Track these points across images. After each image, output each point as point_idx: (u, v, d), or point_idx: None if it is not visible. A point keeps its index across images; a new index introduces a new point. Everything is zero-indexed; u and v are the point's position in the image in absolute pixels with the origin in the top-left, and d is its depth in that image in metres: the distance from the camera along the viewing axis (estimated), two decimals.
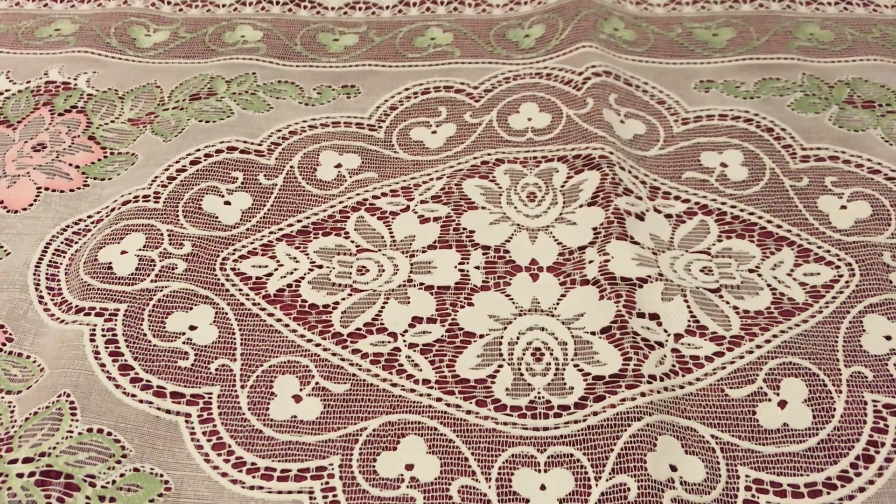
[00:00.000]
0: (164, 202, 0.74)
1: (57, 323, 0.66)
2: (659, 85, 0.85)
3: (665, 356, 0.62)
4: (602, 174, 0.74)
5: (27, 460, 0.56)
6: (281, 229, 0.73)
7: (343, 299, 0.68)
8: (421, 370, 0.63)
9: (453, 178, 0.76)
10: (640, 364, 0.61)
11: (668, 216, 0.73)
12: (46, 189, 0.76)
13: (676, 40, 0.91)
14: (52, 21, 0.96)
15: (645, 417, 0.58)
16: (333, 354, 0.64)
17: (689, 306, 0.66)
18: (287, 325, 0.66)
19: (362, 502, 0.56)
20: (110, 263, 0.69)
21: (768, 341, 0.64)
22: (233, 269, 0.69)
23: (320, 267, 0.70)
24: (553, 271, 0.69)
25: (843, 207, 0.73)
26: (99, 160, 0.79)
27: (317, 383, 0.62)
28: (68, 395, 0.60)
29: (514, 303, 0.67)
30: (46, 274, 0.70)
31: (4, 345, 0.65)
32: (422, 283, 0.68)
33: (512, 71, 0.87)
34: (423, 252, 0.71)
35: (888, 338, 0.63)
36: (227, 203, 0.74)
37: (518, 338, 0.64)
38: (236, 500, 0.56)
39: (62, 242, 0.72)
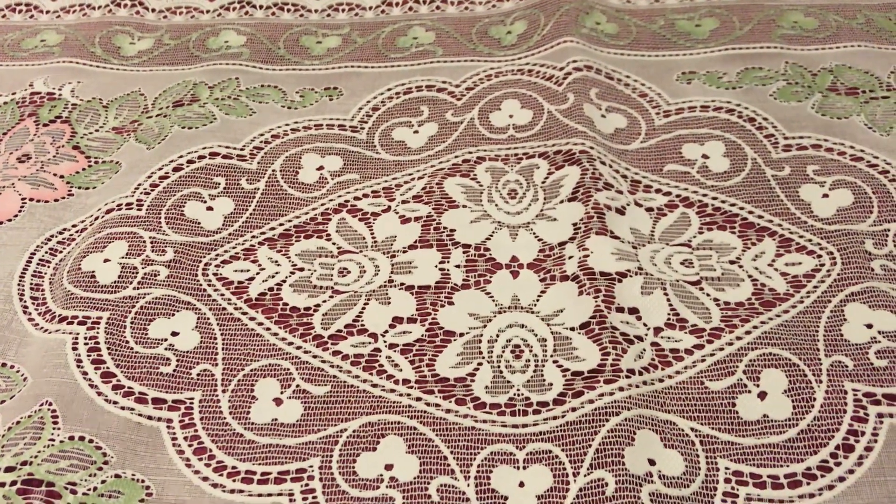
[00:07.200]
0: (147, 209, 0.74)
1: (40, 332, 0.66)
2: (641, 78, 0.85)
3: (644, 350, 0.62)
4: (582, 169, 0.74)
5: (8, 469, 0.57)
6: (263, 233, 0.73)
7: (324, 301, 0.68)
8: (401, 370, 0.63)
9: (434, 178, 0.76)
10: (618, 359, 0.61)
11: (649, 209, 0.73)
12: (31, 199, 0.77)
13: (659, 32, 0.91)
14: (38, 32, 0.96)
15: (623, 412, 0.57)
16: (314, 357, 0.64)
17: (668, 299, 0.66)
18: (268, 329, 0.66)
19: (342, 503, 0.56)
20: (93, 272, 0.69)
21: (748, 332, 0.63)
22: (215, 275, 0.70)
23: (302, 270, 0.70)
24: (533, 268, 0.69)
25: (825, 196, 0.72)
26: (83, 169, 0.79)
27: (297, 386, 0.62)
28: (50, 404, 0.60)
29: (494, 300, 0.67)
30: (31, 284, 0.70)
31: None
32: (402, 284, 0.68)
33: (494, 68, 0.87)
34: (404, 252, 0.71)
35: (869, 326, 0.63)
36: (210, 209, 0.75)
37: (498, 335, 0.64)
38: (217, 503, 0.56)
39: (46, 252, 0.73)
